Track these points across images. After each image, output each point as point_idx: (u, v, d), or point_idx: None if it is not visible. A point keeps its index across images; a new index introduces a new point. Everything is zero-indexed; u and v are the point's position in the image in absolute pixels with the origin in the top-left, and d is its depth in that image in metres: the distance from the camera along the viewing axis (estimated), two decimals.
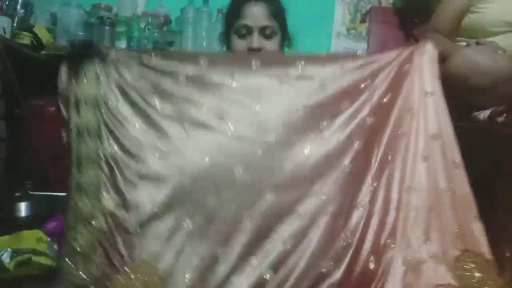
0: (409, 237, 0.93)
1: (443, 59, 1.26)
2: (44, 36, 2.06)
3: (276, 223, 0.93)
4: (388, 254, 0.92)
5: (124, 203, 0.95)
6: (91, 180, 0.97)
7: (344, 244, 0.91)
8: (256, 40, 1.27)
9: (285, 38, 1.39)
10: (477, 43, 1.32)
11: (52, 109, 2.00)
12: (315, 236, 0.92)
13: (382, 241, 0.92)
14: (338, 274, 0.89)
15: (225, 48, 1.45)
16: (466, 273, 0.89)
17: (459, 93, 1.20)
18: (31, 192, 1.64)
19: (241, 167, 0.95)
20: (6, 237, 1.28)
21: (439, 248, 0.92)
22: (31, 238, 1.26)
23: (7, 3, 1.99)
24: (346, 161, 0.96)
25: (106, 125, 0.98)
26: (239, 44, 1.30)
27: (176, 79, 0.98)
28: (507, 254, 0.96)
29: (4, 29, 1.86)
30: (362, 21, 2.51)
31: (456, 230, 0.92)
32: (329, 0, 2.50)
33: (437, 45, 1.41)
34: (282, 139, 0.96)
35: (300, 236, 0.92)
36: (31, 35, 2.00)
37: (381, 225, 0.93)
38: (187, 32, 2.14)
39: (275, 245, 0.92)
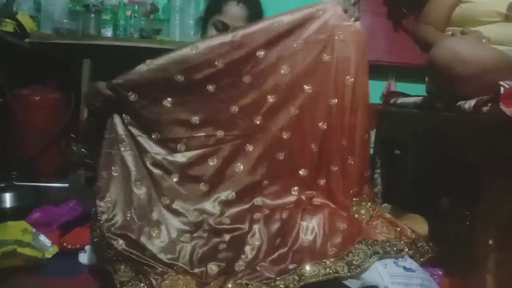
0: None
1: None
2: (28, 23, 2.01)
3: None
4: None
5: None
6: None
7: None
8: None
9: None
10: (462, 33, 1.32)
11: (37, 98, 1.97)
12: None
13: None
14: None
15: (200, 34, 1.50)
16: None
17: (443, 83, 1.21)
18: (16, 183, 1.62)
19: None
20: None
21: None
22: (16, 229, 1.24)
23: None
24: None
25: None
26: None
27: None
28: (490, 242, 0.98)
29: None
30: None
31: None
32: None
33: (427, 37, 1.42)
34: None
35: None
36: (14, 22, 1.96)
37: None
38: (174, 20, 2.12)
39: None
